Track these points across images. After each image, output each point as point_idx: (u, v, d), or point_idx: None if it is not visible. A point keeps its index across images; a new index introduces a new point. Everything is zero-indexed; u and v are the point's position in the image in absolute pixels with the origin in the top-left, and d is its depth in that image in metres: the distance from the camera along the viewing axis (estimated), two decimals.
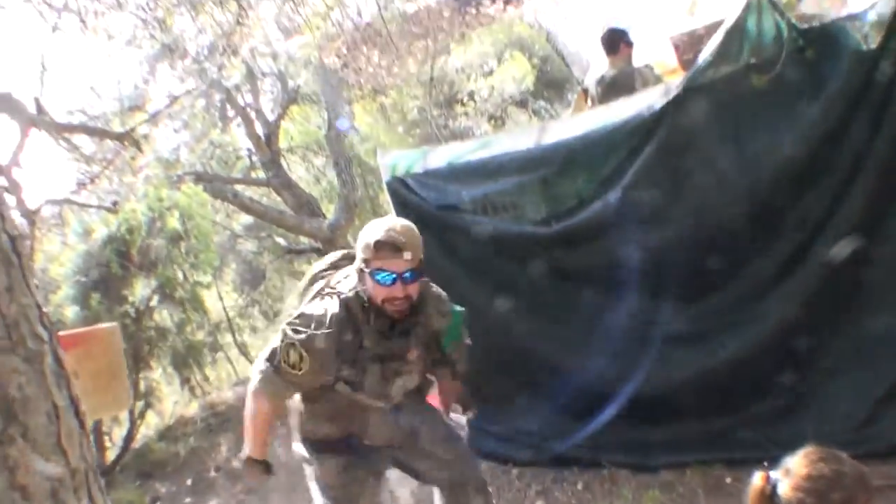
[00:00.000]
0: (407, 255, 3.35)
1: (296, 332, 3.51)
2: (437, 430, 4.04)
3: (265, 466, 3.77)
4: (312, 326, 3.48)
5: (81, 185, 9.97)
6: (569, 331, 5.11)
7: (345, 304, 3.55)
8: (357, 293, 3.55)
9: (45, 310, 1.30)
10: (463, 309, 3.99)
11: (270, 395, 3.67)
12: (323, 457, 3.93)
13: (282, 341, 3.57)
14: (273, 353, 3.63)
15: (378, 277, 3.39)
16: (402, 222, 3.53)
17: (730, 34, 4.67)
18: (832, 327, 4.51)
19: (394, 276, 3.38)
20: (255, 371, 3.80)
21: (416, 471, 4.14)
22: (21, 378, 1.19)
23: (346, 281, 3.68)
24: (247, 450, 3.77)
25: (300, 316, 3.58)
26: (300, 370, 3.50)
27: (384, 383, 3.65)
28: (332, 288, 3.72)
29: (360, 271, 3.49)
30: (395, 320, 3.55)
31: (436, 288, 3.90)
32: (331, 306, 3.56)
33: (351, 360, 3.55)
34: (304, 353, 3.47)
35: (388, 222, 3.49)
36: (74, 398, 1.28)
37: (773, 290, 4.62)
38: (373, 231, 3.44)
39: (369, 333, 3.56)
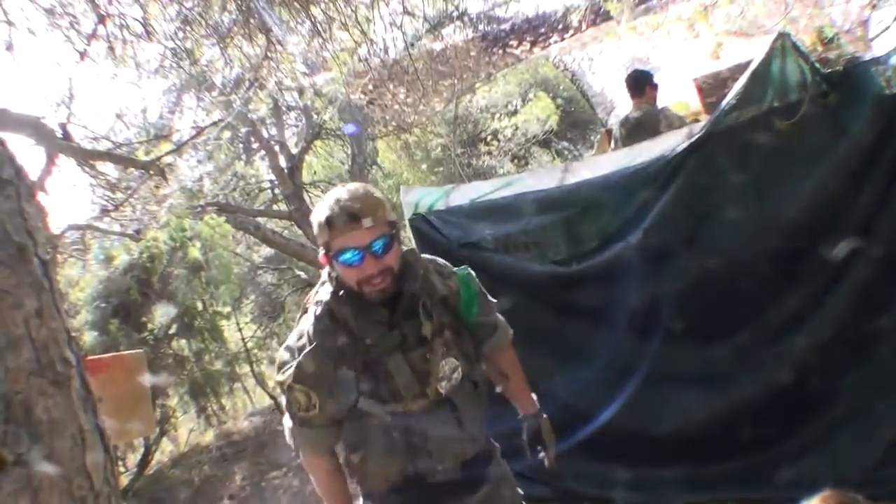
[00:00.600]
0: (367, 223, 2.72)
1: (286, 371, 2.91)
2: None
3: None
4: (295, 355, 2.91)
5: (105, 211, 10.03)
6: (587, 370, 5.09)
7: (325, 309, 2.91)
8: (335, 291, 2.91)
9: (73, 334, 1.32)
10: (465, 267, 3.29)
11: (311, 450, 3.07)
12: None
13: (283, 390, 3.00)
14: (286, 406, 3.03)
15: (343, 259, 2.76)
16: (352, 186, 2.87)
17: (754, 77, 4.68)
18: (847, 370, 4.48)
19: (359, 252, 2.73)
20: (287, 437, 3.16)
21: None
22: (48, 401, 1.20)
23: (324, 287, 3.02)
24: None
25: (285, 350, 3.00)
26: (315, 408, 2.91)
27: (420, 376, 2.91)
28: (308, 303, 3.10)
29: (326, 260, 2.89)
30: (389, 303, 2.88)
31: (427, 255, 3.26)
32: (306, 322, 2.97)
33: (362, 367, 2.87)
34: (304, 387, 2.89)
35: (336, 193, 2.83)
36: (100, 422, 1.29)
37: (790, 333, 4.60)
38: (321, 208, 2.82)
39: (367, 327, 2.87)
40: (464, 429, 3.03)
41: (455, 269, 3.26)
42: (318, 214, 2.82)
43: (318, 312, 2.93)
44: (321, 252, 2.89)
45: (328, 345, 2.86)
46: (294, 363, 2.88)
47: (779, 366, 4.62)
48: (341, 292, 2.88)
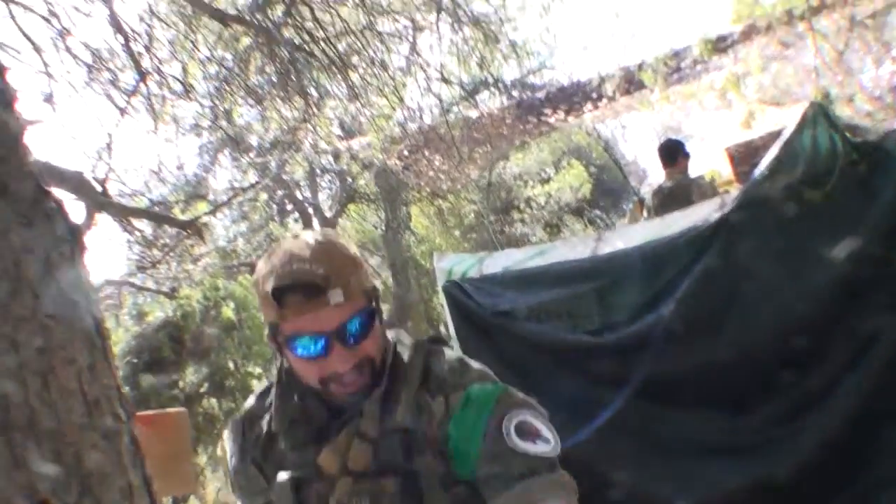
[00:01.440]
0: (336, 296, 1.76)
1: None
2: None
3: None
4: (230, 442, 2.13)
5: (141, 268, 10.15)
6: (617, 440, 5.05)
7: (265, 388, 2.11)
8: (281, 385, 1.98)
9: (123, 391, 1.35)
10: (498, 385, 1.89)
11: None
12: None
13: None
14: None
15: (299, 350, 1.79)
16: (311, 237, 1.90)
17: (786, 147, 4.68)
18: (877, 445, 4.43)
19: (324, 338, 1.77)
20: None
21: None
22: (99, 454, 1.23)
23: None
24: None
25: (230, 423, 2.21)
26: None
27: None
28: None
29: (274, 345, 1.88)
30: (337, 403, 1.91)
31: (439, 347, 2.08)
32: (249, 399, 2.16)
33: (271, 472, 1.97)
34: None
35: (288, 247, 1.85)
36: (147, 477, 1.32)
37: (820, 405, 4.56)
38: (265, 271, 1.84)
39: (286, 423, 1.93)
40: None
41: (476, 381, 1.91)
42: (262, 279, 1.84)
43: (258, 392, 2.16)
44: (266, 331, 1.94)
45: (246, 433, 2.06)
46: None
47: (810, 437, 4.58)
48: (291, 391, 1.97)
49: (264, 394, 2.10)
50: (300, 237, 1.92)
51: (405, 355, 1.98)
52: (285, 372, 1.98)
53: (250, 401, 2.12)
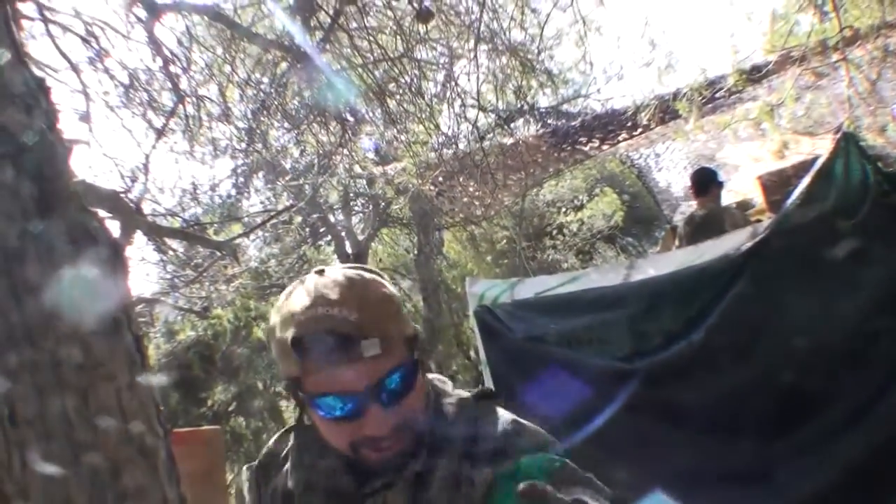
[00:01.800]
0: (372, 347, 1.45)
1: None
2: None
3: None
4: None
5: (174, 287, 10.23)
6: (646, 467, 5.03)
7: (284, 431, 1.82)
8: (299, 447, 1.69)
9: (161, 408, 1.38)
10: (554, 458, 1.54)
11: None
12: None
13: None
14: None
15: (324, 411, 1.51)
16: (338, 274, 1.59)
17: (818, 176, 4.67)
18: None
19: (356, 398, 1.47)
20: None
21: None
22: (135, 470, 1.26)
23: None
24: None
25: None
26: None
27: None
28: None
29: (296, 401, 1.61)
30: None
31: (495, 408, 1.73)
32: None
33: None
34: None
35: (309, 285, 1.57)
36: (182, 494, 1.34)
37: (847, 434, 4.52)
38: (284, 312, 1.56)
39: (301, 486, 1.63)
40: None
41: (529, 449, 1.58)
42: (279, 325, 1.56)
43: (280, 435, 1.85)
44: (283, 384, 1.89)
45: (262, 486, 1.78)
46: None
47: (837, 465, 4.54)
48: (311, 449, 1.66)
49: (282, 439, 1.80)
50: (326, 273, 1.60)
51: (449, 412, 1.65)
52: (304, 428, 1.67)
53: (268, 446, 1.82)
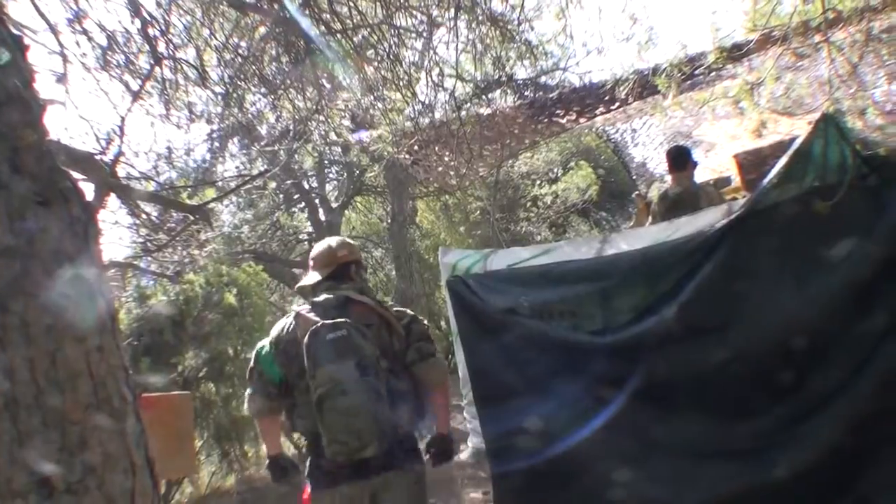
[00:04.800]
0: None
1: None
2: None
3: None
4: None
5: (147, 251, 10.14)
6: (613, 440, 5.06)
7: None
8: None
9: (130, 373, 1.36)
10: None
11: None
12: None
13: None
14: None
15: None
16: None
17: (796, 157, 4.67)
18: (877, 451, 4.43)
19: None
20: None
21: None
22: (104, 434, 1.24)
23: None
24: None
25: None
26: None
27: None
28: None
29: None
30: None
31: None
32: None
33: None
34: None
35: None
36: (150, 458, 1.33)
37: (820, 411, 4.56)
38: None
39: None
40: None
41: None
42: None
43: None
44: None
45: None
46: None
47: (811, 442, 4.59)
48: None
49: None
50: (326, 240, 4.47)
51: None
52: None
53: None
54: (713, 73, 8.86)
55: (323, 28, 7.23)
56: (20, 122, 1.30)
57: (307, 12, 7.05)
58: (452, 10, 7.21)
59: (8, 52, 1.35)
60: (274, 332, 4.09)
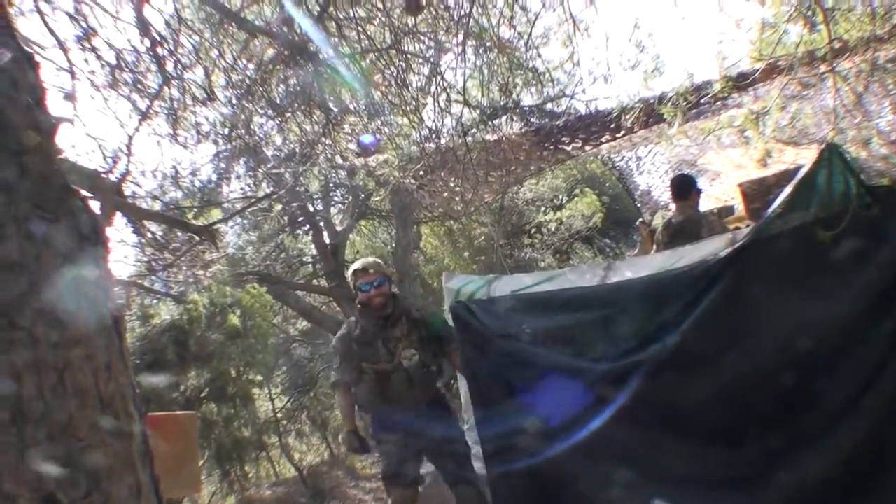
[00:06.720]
0: (371, 272, 5.54)
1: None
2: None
3: None
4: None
5: (152, 270, 10.15)
6: (611, 467, 5.05)
7: (350, 321, 5.82)
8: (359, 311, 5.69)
9: (137, 391, 1.36)
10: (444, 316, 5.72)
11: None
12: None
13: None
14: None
15: (361, 288, 5.54)
16: (368, 259, 5.89)
17: (800, 186, 4.68)
18: (873, 481, 4.41)
19: (367, 284, 5.51)
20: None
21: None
22: (109, 451, 1.24)
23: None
24: None
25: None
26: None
27: (389, 354, 5.50)
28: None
29: (354, 292, 5.66)
30: (382, 316, 5.52)
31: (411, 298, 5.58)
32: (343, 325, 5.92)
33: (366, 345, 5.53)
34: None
35: (359, 261, 5.80)
36: (155, 477, 1.33)
37: (817, 442, 4.55)
38: (351, 268, 5.81)
39: (369, 328, 5.54)
40: (413, 386, 5.51)
41: (432, 312, 5.97)
42: (350, 271, 5.77)
43: (347, 322, 5.90)
44: (353, 290, 5.70)
45: (350, 334, 5.65)
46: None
47: (806, 473, 4.57)
48: (360, 306, 5.65)
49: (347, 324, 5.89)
50: (367, 258, 5.96)
51: (400, 298, 5.81)
52: (360, 304, 5.71)
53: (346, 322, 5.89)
54: (719, 102, 8.88)
55: (332, 52, 7.27)
56: (31, 138, 1.31)
57: (316, 36, 7.09)
58: (460, 36, 7.24)
59: (20, 68, 1.37)
60: None
